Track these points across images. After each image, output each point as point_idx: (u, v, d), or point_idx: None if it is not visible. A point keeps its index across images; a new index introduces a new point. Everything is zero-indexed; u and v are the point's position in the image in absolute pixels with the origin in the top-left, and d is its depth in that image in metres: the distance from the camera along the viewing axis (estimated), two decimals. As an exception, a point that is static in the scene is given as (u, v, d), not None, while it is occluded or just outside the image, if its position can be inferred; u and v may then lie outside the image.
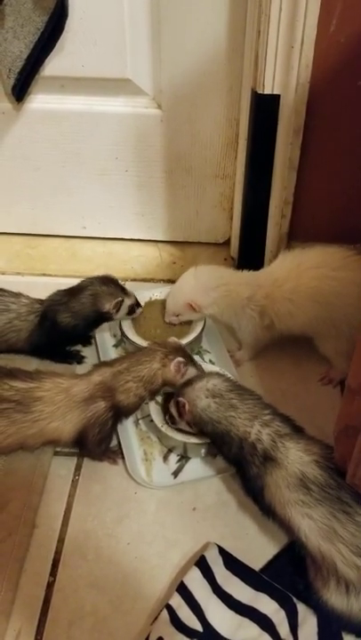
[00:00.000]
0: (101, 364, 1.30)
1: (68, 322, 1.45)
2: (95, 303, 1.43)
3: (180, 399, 1.20)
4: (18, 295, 1.47)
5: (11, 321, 1.43)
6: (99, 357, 1.54)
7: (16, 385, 1.21)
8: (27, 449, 1.25)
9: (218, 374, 1.24)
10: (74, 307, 1.44)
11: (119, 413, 1.26)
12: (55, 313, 1.44)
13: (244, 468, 1.14)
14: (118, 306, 1.43)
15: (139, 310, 1.50)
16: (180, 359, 1.26)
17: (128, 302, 1.46)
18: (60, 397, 1.21)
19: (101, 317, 1.46)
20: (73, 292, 1.46)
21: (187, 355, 1.30)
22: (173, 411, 1.24)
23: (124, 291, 1.46)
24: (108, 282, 1.46)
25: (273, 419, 1.14)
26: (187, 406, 1.19)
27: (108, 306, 1.43)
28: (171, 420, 1.28)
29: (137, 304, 1.49)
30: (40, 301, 1.48)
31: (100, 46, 1.47)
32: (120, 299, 1.43)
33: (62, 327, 1.45)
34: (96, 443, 1.25)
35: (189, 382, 1.22)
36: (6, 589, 1.11)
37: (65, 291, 1.48)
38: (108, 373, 1.25)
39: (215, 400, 1.17)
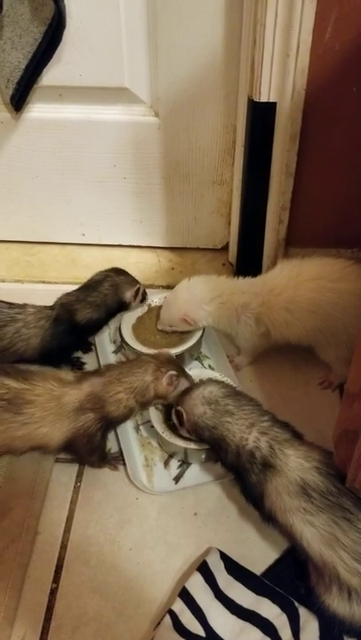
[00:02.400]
0: (92, 373, 1.28)
1: (90, 317, 1.47)
2: (117, 293, 1.48)
3: (179, 408, 1.21)
4: (23, 306, 1.48)
5: (18, 330, 1.44)
6: (99, 364, 1.54)
7: (8, 383, 1.20)
8: (13, 452, 1.24)
9: (215, 381, 1.25)
10: (95, 300, 1.47)
11: (108, 424, 1.26)
12: (73, 313, 1.46)
13: (243, 476, 1.14)
14: (137, 293, 1.49)
15: (148, 298, 1.56)
16: (173, 372, 1.24)
17: (142, 289, 1.52)
18: (52, 405, 1.20)
19: (120, 307, 1.50)
20: (89, 288, 1.49)
21: (179, 367, 1.29)
22: (175, 419, 1.25)
23: (135, 279, 1.53)
24: (122, 272, 1.52)
25: (272, 425, 1.14)
26: (185, 415, 1.20)
27: (128, 294, 1.48)
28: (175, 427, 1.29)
29: (145, 291, 1.55)
30: (48, 307, 1.49)
31: (97, 56, 1.48)
32: (138, 286, 1.50)
33: (83, 325, 1.47)
34: (87, 452, 1.26)
35: (187, 391, 1.23)
36: (10, 596, 1.11)
37: (75, 290, 1.50)
38: (98, 383, 1.23)
39: (211, 407, 1.17)
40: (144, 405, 1.27)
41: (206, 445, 1.24)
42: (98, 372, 1.28)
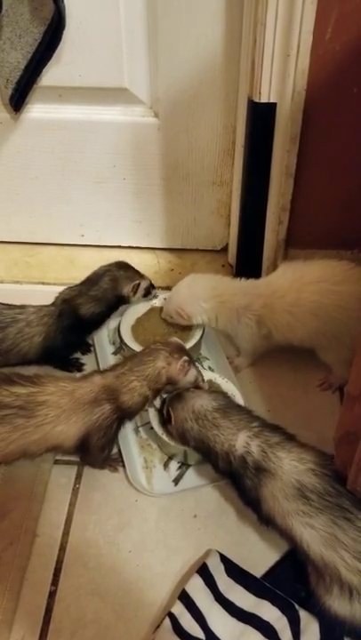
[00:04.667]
0: (103, 370, 1.30)
1: (93, 310, 1.49)
2: (115, 287, 1.50)
3: (170, 410, 1.23)
4: (23, 306, 1.49)
5: (21, 330, 1.44)
6: (98, 365, 1.54)
7: (16, 390, 1.20)
8: (29, 457, 1.24)
9: (208, 393, 1.26)
10: (96, 294, 1.49)
11: (123, 416, 1.26)
12: (76, 307, 1.48)
13: (238, 481, 1.14)
14: (136, 289, 1.51)
15: (154, 292, 1.57)
16: (185, 358, 1.27)
17: (144, 285, 1.53)
18: (65, 401, 1.21)
19: (121, 301, 1.52)
20: (90, 282, 1.51)
21: (189, 354, 1.31)
22: (165, 413, 1.27)
23: (139, 274, 1.54)
24: (124, 266, 1.54)
25: (262, 430, 1.14)
26: (173, 421, 1.22)
27: (126, 289, 1.50)
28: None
29: (152, 285, 1.56)
30: (49, 305, 1.50)
31: (96, 56, 1.48)
32: (137, 282, 1.52)
33: (87, 319, 1.49)
34: (100, 447, 1.25)
35: (180, 398, 1.24)
36: (8, 599, 1.11)
37: (77, 285, 1.52)
38: (112, 376, 1.25)
39: (198, 422, 1.18)
40: (156, 393, 1.28)
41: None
42: (108, 369, 1.29)
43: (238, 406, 1.25)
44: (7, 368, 1.39)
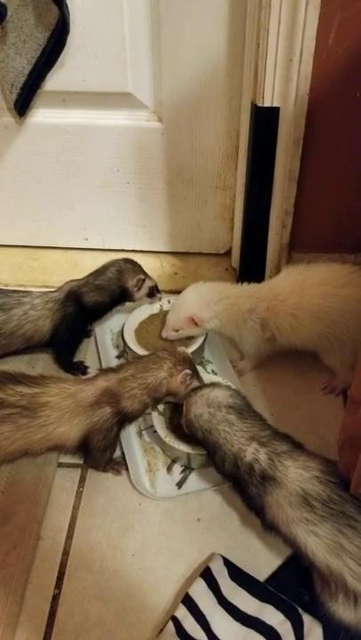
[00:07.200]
0: (107, 370, 1.30)
1: (95, 299, 1.51)
2: (120, 278, 1.52)
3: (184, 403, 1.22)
4: (28, 291, 1.52)
5: (26, 312, 1.46)
6: (102, 368, 1.54)
7: (21, 390, 1.21)
8: (31, 455, 1.25)
9: (227, 388, 1.23)
10: (100, 284, 1.51)
11: (123, 420, 1.27)
12: (80, 295, 1.50)
13: (242, 487, 1.13)
14: (140, 284, 1.52)
15: (158, 296, 1.58)
16: (188, 371, 1.26)
17: (149, 283, 1.54)
18: (68, 403, 1.21)
19: (124, 294, 1.53)
20: (97, 272, 1.54)
21: (193, 366, 1.30)
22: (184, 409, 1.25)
23: (145, 273, 1.55)
24: (132, 262, 1.55)
25: (271, 438, 1.13)
26: (184, 410, 1.21)
27: (130, 282, 1.51)
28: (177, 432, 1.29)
29: (157, 289, 1.57)
30: (54, 291, 1.52)
31: (100, 61, 1.49)
32: (142, 276, 1.52)
33: (89, 307, 1.51)
34: (101, 449, 1.26)
35: (198, 388, 1.23)
36: (12, 602, 1.11)
37: (86, 275, 1.54)
38: (115, 380, 1.25)
39: (210, 410, 1.17)
40: (156, 401, 1.29)
41: (208, 450, 1.24)
42: (113, 370, 1.29)
43: (254, 411, 1.22)
44: (12, 369, 1.40)
